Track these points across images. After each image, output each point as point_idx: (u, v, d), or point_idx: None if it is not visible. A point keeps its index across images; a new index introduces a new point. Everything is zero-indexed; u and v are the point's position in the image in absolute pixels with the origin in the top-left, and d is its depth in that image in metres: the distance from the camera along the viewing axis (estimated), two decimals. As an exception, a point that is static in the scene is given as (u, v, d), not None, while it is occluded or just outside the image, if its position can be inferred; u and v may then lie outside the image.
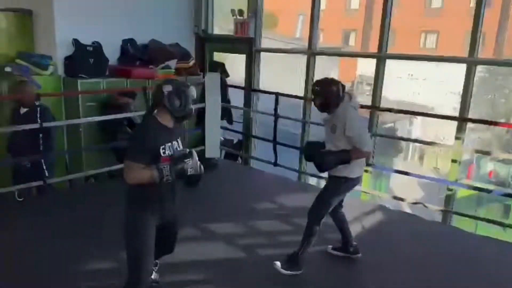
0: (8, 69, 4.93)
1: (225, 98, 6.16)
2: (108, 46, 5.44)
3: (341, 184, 3.17)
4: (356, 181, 3.22)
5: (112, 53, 5.55)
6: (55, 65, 5.16)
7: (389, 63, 5.14)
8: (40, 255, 3.35)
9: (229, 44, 6.65)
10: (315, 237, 3.20)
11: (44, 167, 4.41)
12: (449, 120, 4.89)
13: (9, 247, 3.48)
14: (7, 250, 3.44)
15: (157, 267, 2.88)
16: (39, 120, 4.22)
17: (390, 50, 5.08)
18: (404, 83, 12.42)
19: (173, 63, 6.03)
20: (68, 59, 5.20)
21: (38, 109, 4.28)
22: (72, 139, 5.28)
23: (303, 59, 5.80)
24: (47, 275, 3.10)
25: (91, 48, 5.26)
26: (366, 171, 5.11)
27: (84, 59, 5.17)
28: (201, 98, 5.96)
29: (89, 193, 4.97)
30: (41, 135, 4.27)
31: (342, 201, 3.40)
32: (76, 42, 5.18)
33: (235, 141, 6.83)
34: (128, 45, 5.76)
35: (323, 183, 5.89)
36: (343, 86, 3.15)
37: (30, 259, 3.31)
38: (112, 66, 5.55)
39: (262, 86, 6.37)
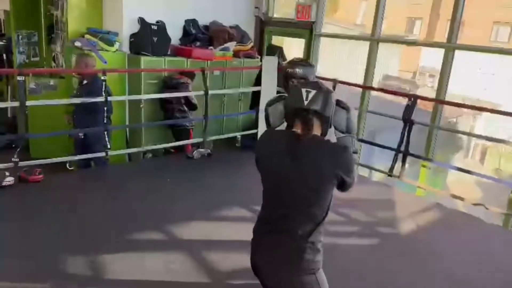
0: (77, 43, 5.20)
1: (281, 82, 6.12)
2: (171, 26, 5.57)
3: None
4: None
5: (174, 33, 5.69)
6: (121, 42, 5.36)
7: (456, 55, 4.86)
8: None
9: (290, 28, 6.57)
10: None
11: (93, 141, 4.54)
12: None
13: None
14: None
15: None
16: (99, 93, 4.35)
17: (458, 42, 4.80)
18: (471, 77, 11.72)
19: (232, 45, 6.07)
20: (133, 37, 5.38)
21: (96, 82, 4.41)
22: (133, 115, 5.50)
23: (363, 46, 5.62)
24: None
25: (155, 27, 5.39)
26: (423, 165, 4.93)
27: (148, 37, 5.32)
28: (257, 81, 5.97)
29: (149, 167, 5.17)
30: (96, 107, 4.41)
31: None
32: (141, 20, 5.34)
33: (288, 126, 6.81)
34: (190, 25, 5.86)
35: (376, 175, 5.81)
36: None
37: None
38: (173, 45, 5.68)
39: (320, 73, 6.26)
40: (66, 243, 3.20)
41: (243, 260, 3.13)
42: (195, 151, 5.30)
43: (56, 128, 5.18)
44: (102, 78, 4.40)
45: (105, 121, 4.49)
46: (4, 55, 7.30)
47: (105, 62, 4.97)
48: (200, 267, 3.07)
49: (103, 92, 4.35)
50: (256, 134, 5.88)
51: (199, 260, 3.14)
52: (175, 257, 3.14)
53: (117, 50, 5.30)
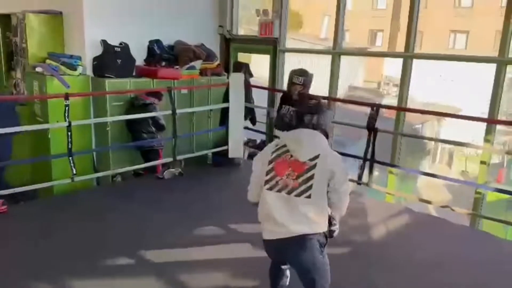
0: (39, 69, 5.11)
1: (249, 98, 6.17)
2: (135, 47, 5.55)
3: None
4: (266, 245, 2.33)
5: (139, 54, 5.66)
6: (83, 65, 5.30)
7: (417, 63, 5.05)
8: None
9: (254, 44, 6.67)
10: (270, 279, 2.69)
11: None
12: (479, 122, 4.75)
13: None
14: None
15: None
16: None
17: (418, 51, 4.99)
18: (432, 84, 12.15)
19: (198, 64, 6.09)
20: (96, 60, 5.32)
21: None
22: (99, 138, 5.41)
23: (328, 60, 5.76)
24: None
25: (118, 49, 5.37)
26: (391, 172, 5.04)
27: (112, 59, 5.29)
28: (225, 98, 6.00)
29: (118, 190, 5.07)
30: None
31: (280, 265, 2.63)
32: (104, 42, 5.30)
33: (258, 141, 6.83)
34: (154, 45, 5.85)
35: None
36: None
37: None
38: (138, 66, 5.66)
39: (286, 87, 6.36)
40: (34, 271, 3.10)
41: (217, 279, 3.13)
42: (166, 171, 5.25)
43: (19, 157, 5.04)
44: (65, 103, 4.32)
45: None
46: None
47: (68, 87, 4.89)
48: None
49: None
50: (226, 150, 5.89)
51: (171, 283, 3.08)
52: (147, 281, 3.07)
53: (80, 74, 5.23)
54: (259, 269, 3.01)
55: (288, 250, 2.21)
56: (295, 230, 2.14)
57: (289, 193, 2.15)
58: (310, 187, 2.12)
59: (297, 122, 2.23)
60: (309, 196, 2.13)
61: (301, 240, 2.15)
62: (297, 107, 2.27)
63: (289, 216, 2.15)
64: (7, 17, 5.96)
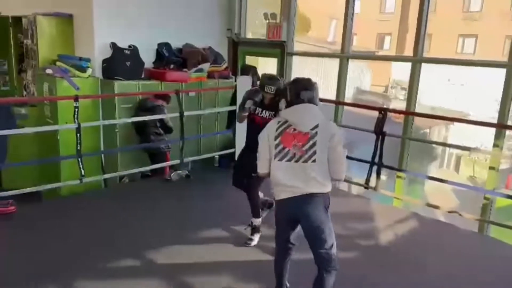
0: (49, 71, 5.16)
1: (256, 102, 6.19)
2: (144, 50, 5.59)
3: (275, 209, 2.74)
4: (281, 204, 2.60)
5: (148, 57, 5.70)
6: (93, 68, 5.34)
7: (425, 68, 5.02)
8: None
9: (262, 47, 6.69)
10: (278, 276, 2.82)
11: None
12: (488, 128, 4.72)
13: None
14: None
15: None
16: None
17: (426, 54, 4.97)
18: (441, 88, 12.09)
19: (206, 67, 6.12)
20: (105, 62, 5.36)
21: None
22: (108, 140, 5.45)
23: (335, 63, 5.75)
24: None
25: (128, 52, 5.41)
26: (398, 176, 5.02)
27: (121, 62, 5.33)
28: (232, 101, 6.01)
29: (126, 192, 5.10)
30: None
31: (289, 235, 2.72)
32: (113, 45, 5.34)
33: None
34: (163, 48, 5.88)
35: (354, 188, 5.87)
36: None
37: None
38: (147, 69, 5.69)
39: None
40: (40, 271, 3.12)
41: (221, 282, 3.13)
42: (173, 173, 5.27)
43: (28, 158, 5.09)
44: (75, 104, 4.36)
45: None
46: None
47: (78, 89, 4.94)
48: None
49: None
50: (233, 153, 5.89)
51: (176, 285, 3.10)
52: (152, 283, 3.09)
53: (89, 76, 5.27)
54: (264, 273, 3.03)
55: (300, 206, 2.50)
56: (305, 189, 2.46)
57: (297, 161, 2.46)
58: (314, 153, 2.44)
59: (294, 99, 2.53)
60: (314, 161, 2.44)
61: (311, 198, 2.47)
62: (294, 85, 2.57)
63: (299, 179, 2.46)
64: (18, 19, 6.03)
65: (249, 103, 3.53)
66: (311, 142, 2.44)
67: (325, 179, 2.49)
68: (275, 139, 2.51)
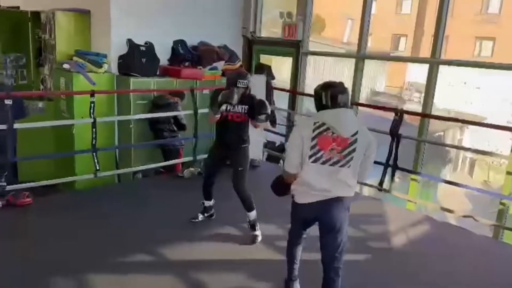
0: (66, 66, 5.21)
1: (270, 100, 6.17)
2: (159, 47, 5.62)
3: (293, 208, 2.76)
4: (304, 208, 2.63)
5: (163, 54, 5.73)
6: (109, 63, 5.38)
7: (441, 70, 4.96)
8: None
9: (277, 46, 6.67)
10: (290, 260, 2.92)
11: None
12: (504, 131, 4.64)
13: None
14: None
15: None
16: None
17: (443, 57, 4.91)
18: (456, 91, 11.94)
19: (220, 65, 6.13)
20: (121, 58, 5.40)
21: None
22: (122, 136, 5.49)
23: (348, 63, 5.72)
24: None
25: (143, 48, 5.44)
26: (413, 179, 4.97)
27: (137, 58, 5.36)
28: (247, 99, 6.01)
29: (139, 187, 5.13)
30: None
31: (305, 230, 2.83)
32: (130, 42, 5.38)
33: (277, 144, 6.83)
34: (178, 46, 5.91)
35: (366, 190, 5.82)
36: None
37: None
38: (162, 66, 5.72)
39: (307, 90, 6.34)
40: (52, 265, 3.15)
41: (234, 281, 3.13)
42: (186, 170, 5.29)
43: (44, 151, 5.15)
44: (91, 99, 4.40)
45: None
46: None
47: (94, 84, 4.98)
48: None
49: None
50: (246, 152, 5.90)
51: (187, 281, 3.11)
52: (163, 278, 3.10)
53: (105, 71, 5.32)
54: (275, 271, 3.03)
55: (326, 209, 2.54)
56: (335, 193, 2.50)
57: (333, 164, 2.47)
58: (351, 159, 2.47)
59: (330, 103, 2.50)
60: (349, 166, 2.48)
61: (338, 201, 2.52)
62: (330, 90, 2.52)
63: (330, 183, 2.49)
64: (37, 14, 6.10)
65: (224, 106, 3.53)
66: (351, 148, 2.46)
67: (354, 183, 2.56)
68: (312, 140, 2.48)
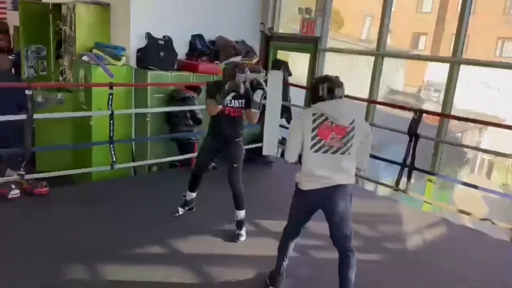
0: (85, 58, 5.27)
1: (286, 97, 6.15)
2: (178, 41, 5.64)
3: (297, 196, 2.79)
4: (309, 194, 2.67)
5: (181, 47, 5.74)
6: (127, 57, 5.42)
7: (462, 69, 4.86)
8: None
9: (294, 42, 6.63)
10: (282, 254, 2.93)
11: None
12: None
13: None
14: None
15: None
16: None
17: (464, 56, 4.81)
18: (476, 91, 11.71)
19: (237, 60, 6.11)
20: (140, 51, 5.44)
21: None
22: (139, 128, 5.53)
23: (367, 61, 5.65)
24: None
25: (162, 42, 5.46)
26: (430, 180, 4.90)
27: (155, 52, 5.38)
28: (263, 95, 5.99)
29: (154, 180, 5.17)
30: None
31: (306, 222, 2.84)
32: (148, 35, 5.41)
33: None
34: (196, 40, 5.92)
35: (381, 190, 5.76)
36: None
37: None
38: (180, 60, 5.74)
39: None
40: (68, 252, 3.21)
41: (244, 274, 3.13)
42: (200, 165, 5.30)
43: (62, 142, 5.22)
44: (109, 92, 4.44)
45: None
46: (13, 69, 7.41)
47: (112, 76, 5.02)
48: (200, 281, 3.06)
49: None
50: (261, 147, 5.88)
51: (200, 274, 3.13)
52: (176, 270, 3.13)
53: (124, 64, 5.36)
54: (288, 267, 3.02)
55: (330, 196, 2.63)
56: (338, 180, 2.60)
57: (334, 152, 2.59)
58: (350, 146, 2.60)
59: (326, 95, 2.63)
60: (349, 153, 2.61)
61: (342, 188, 2.63)
62: (328, 83, 2.66)
63: (333, 170, 2.59)
64: (58, 6, 6.18)
65: (230, 97, 3.49)
66: (349, 136, 2.59)
67: (353, 171, 2.69)
68: (312, 131, 2.59)
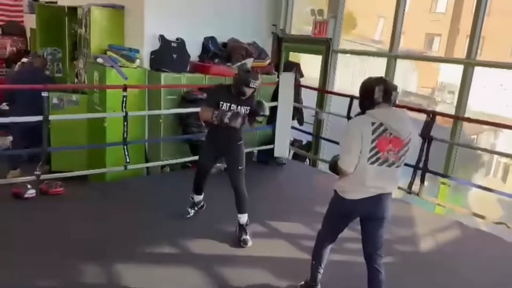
0: (100, 60, 5.34)
1: (297, 98, 6.15)
2: (190, 43, 5.69)
3: (336, 203, 2.69)
4: (352, 203, 2.58)
5: (193, 50, 5.79)
6: (141, 59, 5.49)
7: (476, 71, 4.80)
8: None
9: (306, 44, 6.63)
10: (318, 261, 2.87)
11: None
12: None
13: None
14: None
15: None
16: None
17: (478, 58, 4.76)
18: (491, 93, 11.54)
19: (249, 62, 6.13)
20: (153, 54, 5.49)
21: None
22: (152, 129, 5.59)
23: (379, 62, 5.62)
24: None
25: (175, 44, 5.51)
26: (443, 183, 4.85)
27: (168, 54, 5.44)
28: (274, 96, 6.01)
29: (166, 181, 5.22)
30: None
31: (343, 229, 2.79)
32: (162, 37, 5.46)
33: (304, 142, 6.80)
34: (209, 42, 5.96)
35: (394, 192, 5.71)
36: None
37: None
38: (192, 62, 5.78)
39: (336, 88, 6.28)
40: (81, 251, 3.27)
41: (256, 277, 3.14)
42: (213, 166, 5.33)
43: (77, 142, 5.31)
44: (123, 93, 4.50)
45: None
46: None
47: (126, 78, 5.09)
48: (211, 282, 3.07)
49: None
50: (272, 149, 5.91)
51: (210, 275, 3.15)
52: (187, 271, 3.16)
53: (138, 66, 5.42)
54: (297, 269, 3.02)
55: (377, 203, 2.55)
56: (386, 190, 2.55)
57: (389, 165, 2.48)
58: (404, 159, 2.52)
59: (382, 99, 2.46)
60: (401, 165, 2.53)
61: (387, 196, 2.57)
62: (384, 85, 2.47)
63: (386, 182, 2.52)
64: (73, 10, 6.28)
65: (226, 106, 3.45)
66: (405, 149, 2.48)
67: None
68: (372, 142, 2.44)
